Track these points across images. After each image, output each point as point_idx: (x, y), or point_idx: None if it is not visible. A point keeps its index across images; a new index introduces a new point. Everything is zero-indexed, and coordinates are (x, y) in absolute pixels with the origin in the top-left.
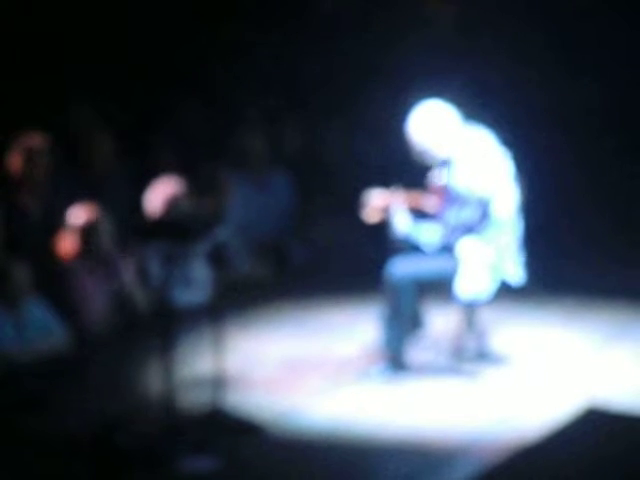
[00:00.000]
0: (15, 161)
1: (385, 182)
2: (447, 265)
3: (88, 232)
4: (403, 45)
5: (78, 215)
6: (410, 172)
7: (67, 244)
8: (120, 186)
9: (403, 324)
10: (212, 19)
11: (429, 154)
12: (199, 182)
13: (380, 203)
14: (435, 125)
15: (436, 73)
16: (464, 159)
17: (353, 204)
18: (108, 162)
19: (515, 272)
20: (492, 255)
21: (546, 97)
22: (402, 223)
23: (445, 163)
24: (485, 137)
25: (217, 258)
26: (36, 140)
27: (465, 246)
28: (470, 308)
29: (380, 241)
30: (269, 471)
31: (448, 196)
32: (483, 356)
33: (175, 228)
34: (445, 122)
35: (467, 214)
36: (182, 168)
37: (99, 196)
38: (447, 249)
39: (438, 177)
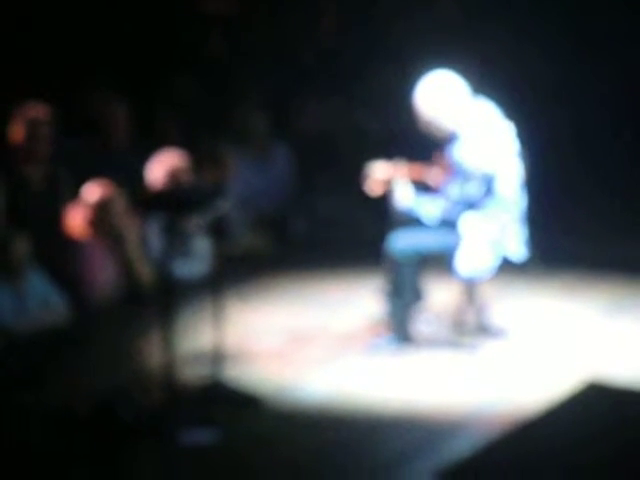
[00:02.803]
0: (17, 132)
1: (387, 156)
2: (448, 239)
3: (102, 209)
4: (406, 21)
5: (93, 191)
6: (413, 146)
7: (77, 218)
8: (134, 163)
9: (405, 297)
10: None
11: (436, 125)
12: (201, 155)
13: (383, 175)
14: (443, 95)
15: (439, 49)
16: (470, 132)
17: (354, 178)
18: (124, 138)
19: (517, 248)
20: (494, 231)
21: (550, 73)
22: (404, 196)
23: (451, 136)
24: (491, 111)
25: (217, 231)
26: (39, 111)
27: (467, 221)
28: (470, 283)
29: (381, 214)
30: (269, 444)
31: (452, 170)
32: (483, 329)
33: (176, 200)
34: (453, 92)
35: (471, 189)
36: (184, 141)
37: (114, 172)
38: (449, 223)
39: (442, 150)
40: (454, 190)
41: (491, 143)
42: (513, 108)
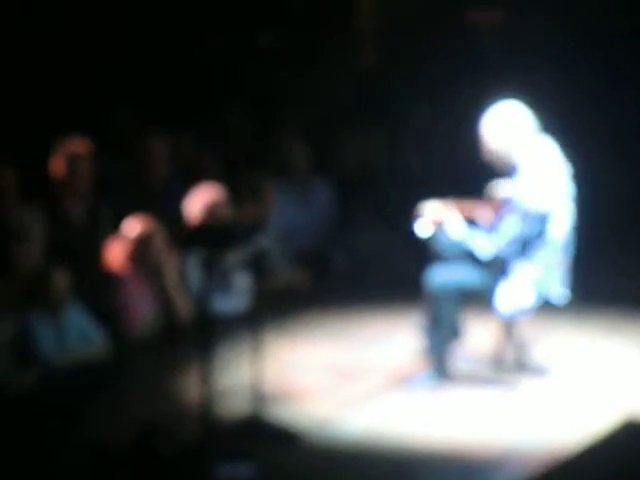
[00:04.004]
0: (58, 166)
1: (429, 193)
2: (489, 276)
3: (142, 243)
4: (448, 57)
5: (133, 226)
6: (457, 183)
7: (117, 253)
8: (175, 198)
9: (444, 332)
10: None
11: (500, 155)
12: (240, 189)
13: (435, 216)
14: (511, 124)
15: (482, 85)
16: (532, 169)
17: (395, 214)
18: (164, 173)
19: (559, 292)
20: (539, 272)
21: (596, 114)
22: (457, 228)
23: (512, 168)
24: (553, 150)
25: (257, 266)
26: (80, 145)
27: (515, 262)
28: (509, 321)
29: (421, 250)
30: None
31: (503, 207)
32: (522, 367)
33: (215, 235)
34: (521, 123)
35: (526, 227)
36: (223, 175)
37: (154, 207)
38: (495, 261)
39: (497, 188)
40: (510, 227)
41: (550, 182)
42: (570, 150)
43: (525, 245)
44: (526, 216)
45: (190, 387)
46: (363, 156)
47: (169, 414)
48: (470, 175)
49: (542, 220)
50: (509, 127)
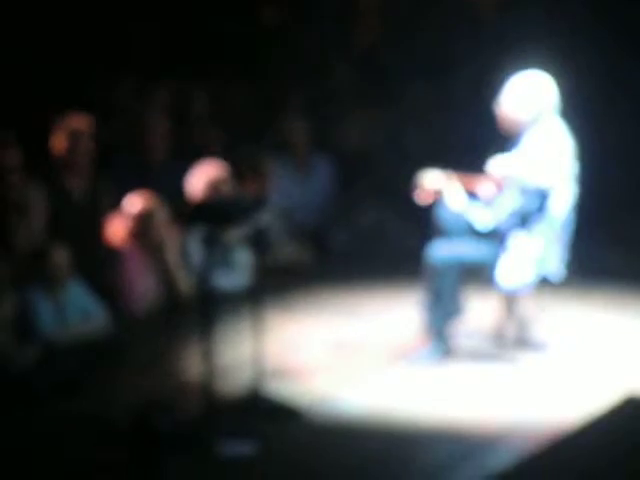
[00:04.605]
0: (59, 143)
1: (429, 167)
2: (490, 251)
3: (143, 220)
4: (448, 33)
5: (134, 202)
6: (459, 160)
7: (118, 230)
8: (176, 174)
9: (445, 308)
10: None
11: (513, 118)
12: (241, 166)
13: (434, 184)
14: (536, 95)
15: (481, 62)
16: (534, 144)
17: (395, 189)
18: (164, 149)
19: (557, 269)
20: (539, 248)
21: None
22: (457, 201)
23: (520, 133)
24: (562, 128)
25: (258, 243)
26: (81, 122)
27: (514, 234)
28: (511, 295)
29: (422, 226)
30: (308, 457)
31: (504, 184)
32: (524, 343)
33: (216, 212)
34: (546, 96)
35: (524, 202)
36: (224, 152)
37: (156, 184)
38: (495, 235)
39: (499, 162)
40: (508, 200)
41: (551, 159)
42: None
43: (524, 219)
44: (525, 191)
45: (191, 364)
46: (363, 132)
47: (170, 391)
48: (473, 152)
49: (541, 195)
50: (533, 96)
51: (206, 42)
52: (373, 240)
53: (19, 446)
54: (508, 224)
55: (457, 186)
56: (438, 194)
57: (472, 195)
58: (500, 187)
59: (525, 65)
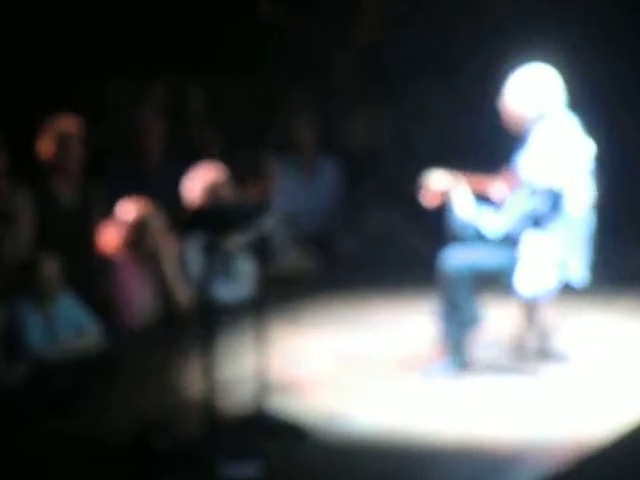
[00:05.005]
0: (47, 146)
1: (437, 167)
2: (507, 256)
3: (138, 228)
4: (454, 31)
5: (128, 209)
6: (470, 159)
7: (111, 238)
8: (173, 178)
9: (461, 318)
10: None
11: (518, 116)
12: (242, 169)
13: (440, 185)
14: (540, 89)
15: (487, 57)
16: (543, 142)
17: (405, 192)
18: (159, 152)
19: (580, 273)
20: (558, 251)
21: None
22: (464, 206)
23: (525, 134)
24: (573, 125)
25: (261, 250)
26: (69, 123)
27: (530, 238)
28: (531, 303)
29: (434, 231)
30: (314, 479)
31: (517, 181)
32: (545, 354)
33: (216, 218)
34: (551, 90)
35: (535, 203)
36: (224, 154)
37: (151, 189)
38: (509, 240)
39: (509, 163)
40: (518, 203)
41: (564, 158)
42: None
43: (538, 222)
44: (534, 192)
45: (191, 380)
46: (368, 131)
47: (168, 409)
48: (481, 150)
49: (553, 196)
50: (537, 91)
51: (203, 38)
52: (382, 245)
53: (8, 466)
54: (520, 228)
55: (465, 187)
56: (445, 195)
57: (482, 197)
58: (512, 188)
59: (531, 58)
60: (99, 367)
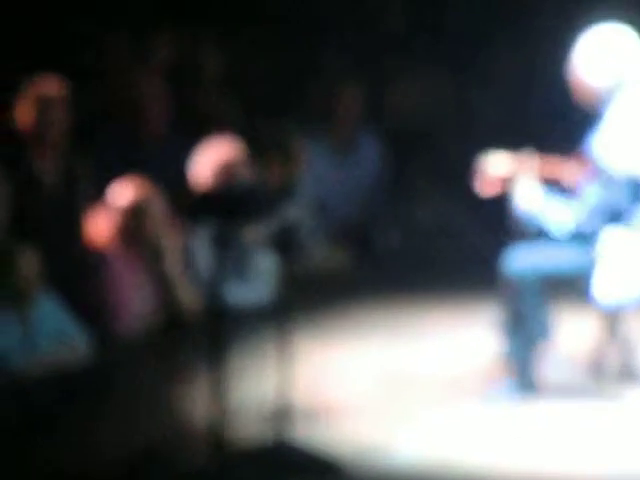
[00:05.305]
0: (25, 113)
1: (507, 147)
2: (583, 258)
3: (134, 214)
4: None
5: (122, 191)
6: (543, 139)
7: (102, 227)
8: (178, 154)
9: (528, 331)
10: None
11: (590, 89)
12: (262, 144)
13: (501, 171)
14: (611, 51)
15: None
16: (622, 116)
17: (462, 177)
18: (162, 122)
19: None
20: None
21: None
22: (529, 198)
23: (600, 110)
24: None
25: (285, 244)
26: (52, 86)
27: (610, 236)
28: (613, 314)
29: (496, 224)
30: None
31: (592, 168)
32: (629, 374)
33: (229, 203)
34: (625, 51)
35: (611, 194)
36: (240, 125)
37: (151, 167)
38: (584, 237)
39: (585, 141)
40: (591, 195)
41: None
42: None
43: (617, 217)
44: (609, 181)
45: (196, 402)
46: (423, 103)
47: (168, 436)
48: (560, 128)
49: (634, 185)
50: (612, 56)
51: None
52: (433, 241)
53: None
54: (596, 224)
55: (532, 173)
56: (506, 183)
57: (554, 185)
58: (588, 174)
59: (605, 16)
60: (86, 384)
